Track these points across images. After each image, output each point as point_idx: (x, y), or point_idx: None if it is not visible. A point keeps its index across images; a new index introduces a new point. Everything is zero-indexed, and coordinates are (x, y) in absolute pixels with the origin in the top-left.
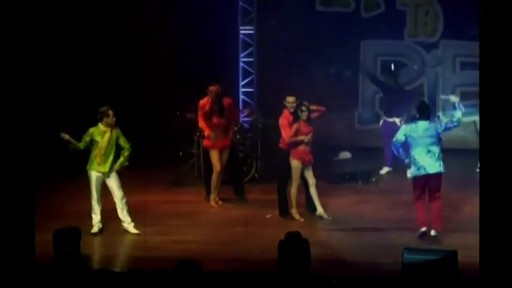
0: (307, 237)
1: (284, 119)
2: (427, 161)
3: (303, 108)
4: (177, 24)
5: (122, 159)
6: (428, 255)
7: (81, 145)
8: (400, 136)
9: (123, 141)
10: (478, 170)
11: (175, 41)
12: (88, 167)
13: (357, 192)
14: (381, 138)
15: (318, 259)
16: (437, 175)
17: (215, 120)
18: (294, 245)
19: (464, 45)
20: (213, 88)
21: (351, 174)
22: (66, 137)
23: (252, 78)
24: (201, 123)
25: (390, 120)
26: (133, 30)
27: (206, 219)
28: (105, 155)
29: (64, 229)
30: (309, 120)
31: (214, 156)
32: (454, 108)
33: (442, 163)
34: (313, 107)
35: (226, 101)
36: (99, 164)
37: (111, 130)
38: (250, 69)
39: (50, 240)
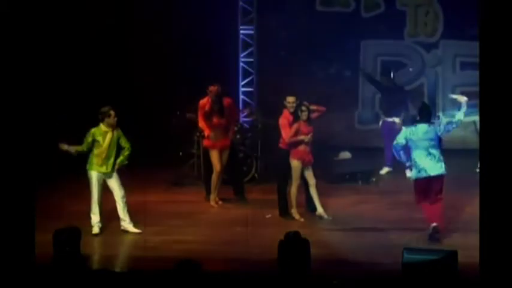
0: (307, 237)
1: (284, 119)
2: (428, 164)
3: (303, 108)
4: (177, 24)
5: (121, 158)
6: (428, 255)
7: (84, 147)
8: (400, 139)
9: (123, 142)
10: (478, 170)
11: (175, 41)
12: (88, 167)
13: (357, 192)
14: (381, 138)
15: (318, 259)
16: (439, 177)
17: (215, 120)
18: (294, 245)
19: (464, 45)
20: (213, 88)
21: (351, 174)
22: (65, 147)
23: (252, 78)
24: (201, 123)
25: (390, 120)
26: (134, 30)
27: (206, 219)
28: (107, 156)
29: (64, 229)
30: (309, 120)
31: (214, 156)
32: (458, 108)
33: (443, 165)
34: (313, 107)
35: (226, 101)
36: (101, 165)
37: (113, 131)
38: (250, 69)
39: (50, 240)
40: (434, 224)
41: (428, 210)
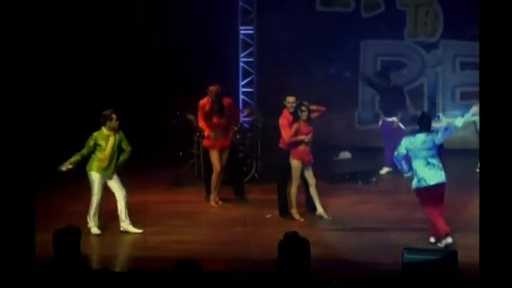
0: (307, 237)
1: (284, 119)
2: (427, 173)
3: (303, 108)
4: (177, 24)
5: (121, 159)
6: (428, 255)
7: (84, 151)
8: (401, 150)
9: (125, 144)
10: (478, 170)
11: (175, 41)
12: (88, 167)
13: (357, 192)
14: (381, 138)
15: (318, 259)
16: (439, 186)
17: (215, 120)
18: (294, 245)
19: (464, 45)
20: (213, 88)
21: (351, 174)
22: (63, 168)
23: (252, 78)
24: (201, 123)
25: (389, 120)
26: (134, 30)
27: (206, 219)
28: (110, 160)
29: (64, 229)
30: (309, 120)
31: (214, 156)
32: (462, 115)
33: (443, 173)
34: (313, 107)
35: (226, 101)
36: (105, 169)
37: (115, 134)
38: (250, 69)
39: (50, 240)
40: (449, 241)
41: (439, 220)
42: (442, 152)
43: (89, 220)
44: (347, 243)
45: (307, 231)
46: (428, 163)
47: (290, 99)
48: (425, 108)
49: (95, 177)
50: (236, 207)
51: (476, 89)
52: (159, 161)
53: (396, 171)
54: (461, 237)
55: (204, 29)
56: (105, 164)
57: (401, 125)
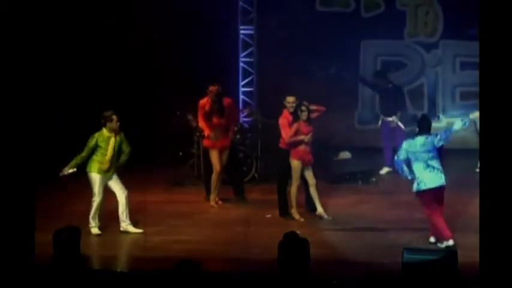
0: (307, 237)
1: (284, 119)
2: (426, 176)
3: (303, 108)
4: (177, 24)
5: (121, 160)
6: (428, 255)
7: (85, 154)
8: (401, 154)
9: (125, 146)
10: (478, 170)
11: (175, 41)
12: (88, 169)
13: (357, 192)
14: (381, 138)
15: (317, 259)
16: (439, 188)
17: (215, 120)
18: (294, 245)
19: (464, 45)
20: (213, 88)
21: (351, 174)
22: (65, 172)
23: (252, 78)
24: (201, 123)
25: (389, 119)
26: (134, 30)
27: (206, 219)
28: (111, 161)
29: (64, 229)
30: (308, 120)
31: (214, 156)
32: (461, 118)
33: (443, 176)
34: (313, 107)
35: (226, 101)
36: (105, 170)
37: (115, 135)
38: (250, 69)
39: (50, 240)
40: (451, 243)
41: (441, 224)
42: (441, 153)
43: (91, 221)
44: (347, 243)
45: (307, 231)
46: (428, 166)
47: (290, 99)
48: (425, 108)
49: (96, 178)
50: (236, 207)
51: (476, 89)
52: (159, 161)
53: (396, 171)
54: (461, 237)
55: (204, 29)
56: (106, 165)
57: (401, 124)
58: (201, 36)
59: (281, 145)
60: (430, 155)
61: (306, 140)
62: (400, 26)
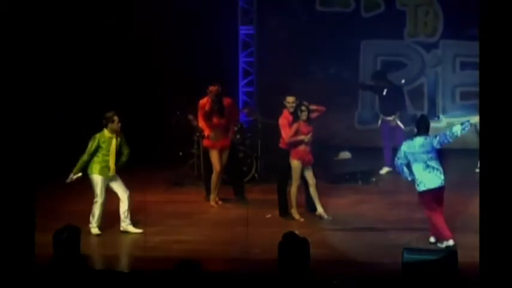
0: (307, 237)
1: (284, 119)
2: (426, 176)
3: (303, 108)
4: (177, 24)
5: (120, 161)
6: (428, 255)
7: (86, 155)
8: (400, 155)
9: (124, 147)
10: (478, 170)
11: (175, 41)
12: (90, 170)
13: (357, 192)
14: (381, 138)
15: (317, 259)
16: (438, 189)
17: (215, 120)
18: (294, 245)
19: (464, 45)
20: (213, 88)
21: (351, 174)
22: (72, 178)
23: (252, 78)
24: (201, 123)
25: (389, 118)
26: (134, 30)
27: (206, 219)
28: (112, 162)
29: (64, 229)
30: (308, 120)
31: (214, 156)
32: (461, 122)
33: (442, 177)
34: (313, 107)
35: (226, 101)
36: (107, 171)
37: (117, 136)
38: (250, 69)
39: (50, 240)
40: (451, 243)
41: (441, 224)
42: (441, 153)
43: (93, 222)
44: (347, 243)
45: (307, 231)
46: (427, 166)
47: (290, 99)
48: (425, 108)
49: (98, 179)
50: (236, 207)
51: (476, 89)
52: (159, 161)
53: (396, 171)
54: (461, 237)
55: (204, 29)
56: (107, 166)
57: (400, 124)
58: (201, 36)
59: (281, 145)
60: (429, 155)
61: (306, 140)
62: (400, 26)
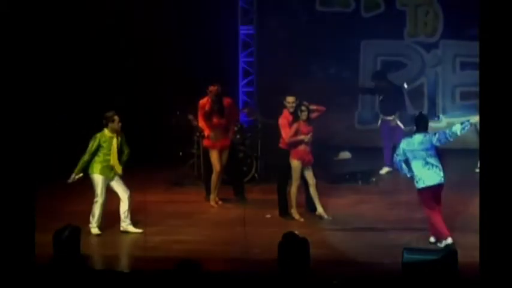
0: (307, 237)
1: (284, 119)
2: (425, 174)
3: (303, 108)
4: (176, 24)
5: (120, 161)
6: (428, 255)
7: (87, 155)
8: (399, 153)
9: (124, 147)
10: (478, 170)
11: (175, 41)
12: (90, 170)
13: (357, 192)
14: (381, 138)
15: (317, 259)
16: (437, 186)
17: (215, 120)
18: (294, 245)
19: (464, 45)
20: (213, 88)
21: (351, 174)
22: (74, 178)
23: (252, 78)
24: (201, 123)
25: (389, 118)
26: (133, 30)
27: (206, 219)
28: (116, 161)
29: (64, 229)
30: (308, 120)
31: (214, 156)
32: (461, 122)
33: (442, 174)
34: (313, 107)
35: (226, 101)
36: (111, 170)
37: (117, 136)
38: (250, 69)
39: (50, 240)
40: (449, 241)
41: (439, 223)
42: (441, 153)
43: (93, 222)
44: (347, 243)
45: (307, 231)
46: (426, 163)
47: (290, 99)
48: (425, 108)
49: (98, 179)
50: (236, 207)
51: (476, 89)
52: (159, 161)
53: (396, 170)
54: (461, 237)
55: (204, 29)
56: (108, 165)
57: (400, 124)
58: (201, 36)
59: (281, 145)
60: (429, 152)
61: (306, 140)
62: (400, 26)
